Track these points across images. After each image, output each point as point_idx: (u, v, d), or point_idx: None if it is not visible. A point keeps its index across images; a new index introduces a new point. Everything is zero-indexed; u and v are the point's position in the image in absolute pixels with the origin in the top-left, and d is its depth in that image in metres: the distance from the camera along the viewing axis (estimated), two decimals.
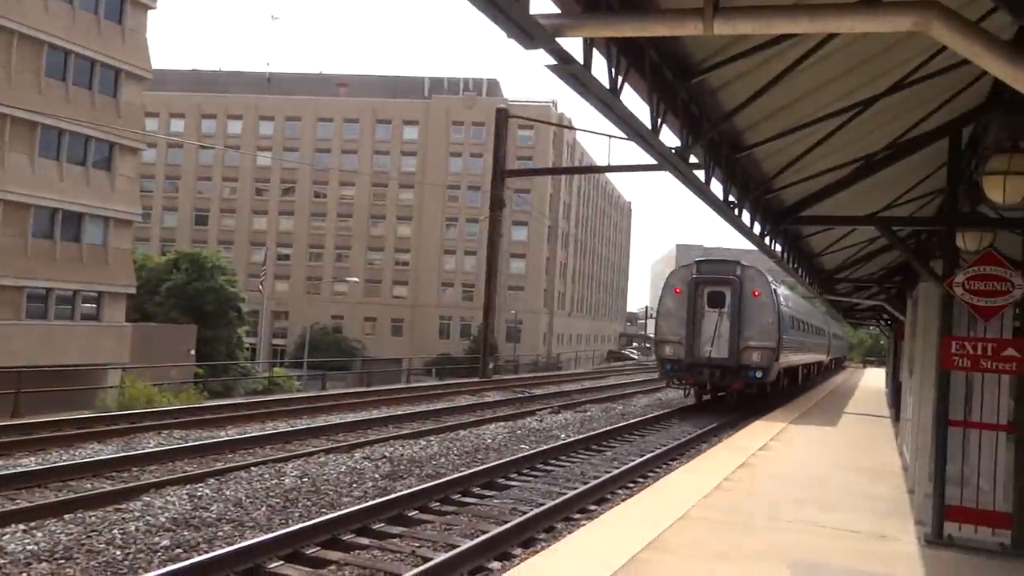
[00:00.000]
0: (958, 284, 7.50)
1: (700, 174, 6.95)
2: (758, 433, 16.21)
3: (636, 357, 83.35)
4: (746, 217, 8.83)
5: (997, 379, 7.78)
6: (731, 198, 7.95)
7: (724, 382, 21.63)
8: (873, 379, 45.31)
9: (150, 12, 36.96)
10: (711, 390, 22.75)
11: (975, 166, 8.00)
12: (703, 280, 21.97)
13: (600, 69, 4.52)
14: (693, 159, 6.71)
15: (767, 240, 10.21)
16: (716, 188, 7.56)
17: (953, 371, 7.66)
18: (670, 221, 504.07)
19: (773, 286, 22.81)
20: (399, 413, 19.02)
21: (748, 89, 5.99)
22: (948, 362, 7.56)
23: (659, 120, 5.47)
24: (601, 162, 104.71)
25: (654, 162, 6.24)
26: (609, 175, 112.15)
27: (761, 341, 21.49)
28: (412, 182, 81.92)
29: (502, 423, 18.15)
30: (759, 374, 21.44)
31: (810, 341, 30.05)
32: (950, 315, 7.85)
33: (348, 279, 61.22)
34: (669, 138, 6.07)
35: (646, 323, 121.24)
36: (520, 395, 25.88)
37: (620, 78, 4.73)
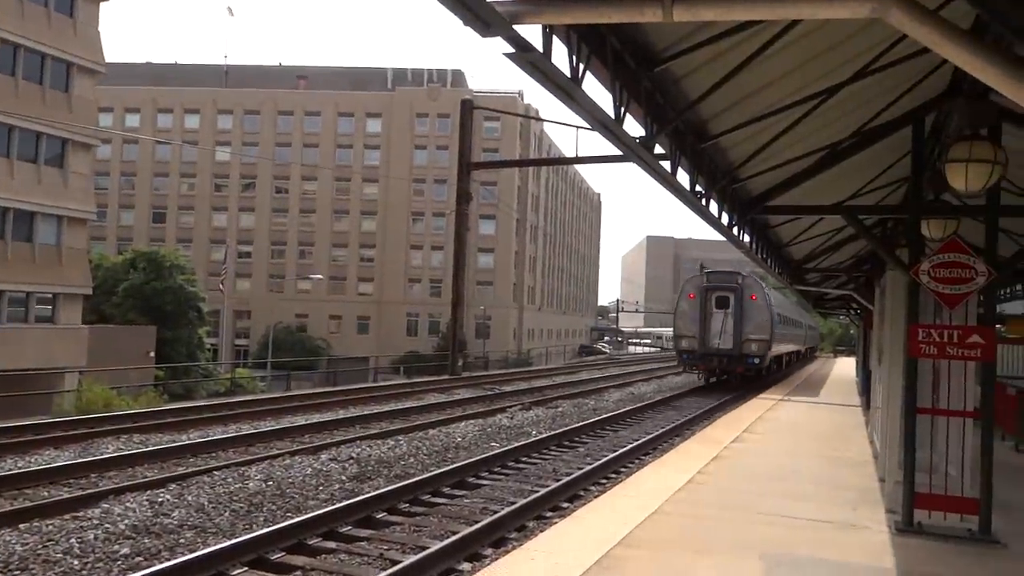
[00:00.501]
0: (924, 272, 7.64)
1: (666, 164, 6.98)
2: (729, 426, 16.39)
3: (608, 351, 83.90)
4: (714, 207, 8.91)
5: (963, 366, 7.93)
6: (698, 188, 8.00)
7: (729, 367, 29.49)
8: (843, 368, 46.02)
9: (102, 4, 36.32)
10: (719, 374, 30.52)
11: (938, 154, 8.14)
12: (712, 287, 30.07)
13: (561, 57, 4.54)
14: (659, 149, 6.74)
15: (735, 230, 10.31)
16: (683, 178, 7.61)
17: (920, 359, 7.80)
18: (640, 213, 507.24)
19: (766, 291, 31.00)
20: (366, 413, 18.94)
21: (712, 77, 6.03)
22: (915, 350, 7.69)
23: (622, 109, 5.48)
24: (569, 153, 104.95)
25: (621, 153, 6.27)
26: (578, 167, 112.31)
27: (758, 335, 29.36)
28: (376, 176, 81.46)
29: (472, 421, 18.15)
30: (756, 360, 29.45)
31: (792, 333, 37.87)
32: (916, 303, 7.99)
33: (312, 276, 60.77)
34: (634, 128, 6.10)
35: (618, 316, 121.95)
36: (490, 392, 25.93)
37: (581, 66, 4.73)
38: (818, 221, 12.29)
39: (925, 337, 7.63)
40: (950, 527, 7.89)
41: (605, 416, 19.54)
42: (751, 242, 12.01)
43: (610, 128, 5.30)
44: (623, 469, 13.20)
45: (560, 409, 21.45)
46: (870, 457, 12.88)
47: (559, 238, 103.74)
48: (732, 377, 30.02)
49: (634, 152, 5.96)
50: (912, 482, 7.91)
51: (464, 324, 43.46)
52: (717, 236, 11.11)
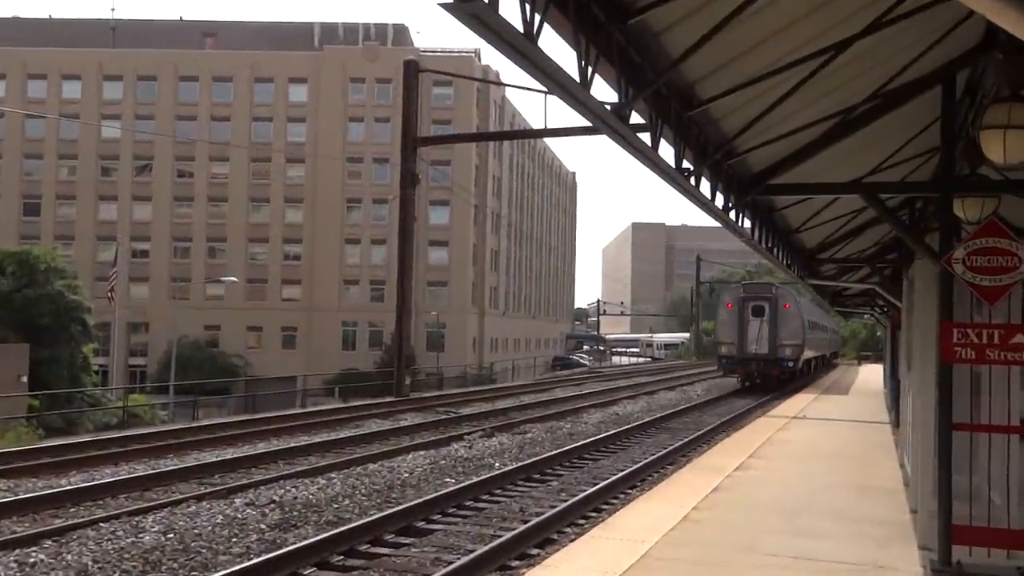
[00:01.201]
0: (958, 261, 7.72)
1: (646, 137, 6.97)
2: (733, 451, 16.52)
3: (588, 363, 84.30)
4: (705, 187, 8.93)
5: (1006, 372, 8.03)
6: (685, 164, 8.02)
7: (766, 370, 39.50)
8: (869, 377, 46.70)
9: None
10: (756, 377, 39.84)
11: (972, 120, 8.26)
12: (748, 297, 40.61)
13: (512, 8, 4.48)
14: (636, 118, 6.74)
15: (732, 214, 10.37)
16: (666, 153, 7.62)
17: (956, 364, 7.89)
18: (624, 196, 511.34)
19: (798, 299, 40.80)
20: (292, 446, 18.89)
21: (699, 30, 6.02)
22: (949, 354, 7.77)
23: (590, 70, 5.46)
24: (537, 125, 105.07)
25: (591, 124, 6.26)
26: (549, 142, 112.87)
27: (791, 340, 39.64)
28: (303, 155, 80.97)
29: (423, 452, 18.13)
30: (790, 364, 39.62)
31: (819, 337, 48.17)
32: (950, 298, 8.08)
33: (224, 279, 60.17)
34: (606, 92, 6.08)
35: (598, 321, 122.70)
36: (445, 416, 26.04)
37: (537, 18, 4.70)
38: (832, 202, 12.40)
39: (961, 338, 7.71)
40: (995, 565, 7.98)
41: (583, 442, 19.62)
42: (753, 228, 12.09)
43: (573, 92, 5.27)
44: (605, 506, 13.25)
45: (529, 435, 21.51)
46: (900, 484, 13.06)
47: (527, 228, 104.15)
48: (768, 380, 39.93)
49: (605, 122, 5.94)
50: (949, 513, 7.99)
51: (413, 334, 43.37)
52: (716, 222, 11.19)
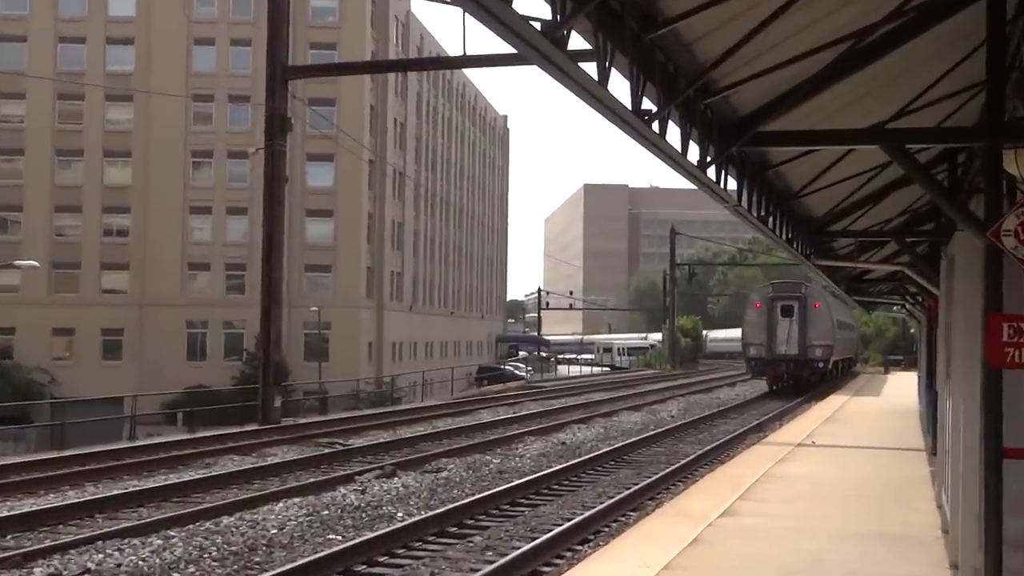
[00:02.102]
0: (1009, 232, 7.86)
1: (591, 68, 6.96)
2: (717, 490, 16.72)
3: (526, 375, 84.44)
4: (674, 136, 8.97)
5: None
6: (646, 105, 8.03)
7: (796, 372, 49.40)
8: (900, 390, 47.63)
9: None
10: (786, 379, 50.05)
11: None
12: (777, 297, 50.57)
13: None
14: (579, 42, 6.73)
15: (712, 172, 10.44)
16: (620, 89, 7.63)
17: (1007, 369, 8.03)
18: (572, 149, 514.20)
19: (828, 298, 50.95)
20: (117, 493, 18.63)
21: None
22: (997, 356, 7.92)
23: None
24: (454, 52, 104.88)
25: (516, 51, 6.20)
26: (472, 77, 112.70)
27: (822, 340, 49.56)
28: (129, 90, 79.63)
29: (298, 499, 18.03)
30: (821, 365, 49.77)
31: (847, 337, 60.15)
32: (999, 282, 8.21)
33: (20, 263, 58.67)
34: (537, 6, 6.05)
35: (539, 317, 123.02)
36: (329, 450, 25.95)
37: None
38: (845, 156, 12.55)
39: (1014, 335, 7.86)
40: None
41: (517, 482, 19.66)
42: (740, 191, 12.20)
43: (487, 6, 5.22)
44: (545, 569, 13.29)
45: (445, 474, 21.53)
46: (937, 531, 13.34)
47: (442, 192, 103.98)
48: (799, 381, 50.71)
49: (533, 47, 5.90)
50: (999, 567, 8.15)
51: (286, 338, 42.79)
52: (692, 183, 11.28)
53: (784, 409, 40.14)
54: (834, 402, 40.93)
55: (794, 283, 55.00)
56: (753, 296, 54.68)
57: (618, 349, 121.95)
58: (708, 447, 26.73)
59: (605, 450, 25.53)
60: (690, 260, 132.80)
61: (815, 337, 50.85)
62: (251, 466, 22.81)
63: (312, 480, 20.53)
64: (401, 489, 19.40)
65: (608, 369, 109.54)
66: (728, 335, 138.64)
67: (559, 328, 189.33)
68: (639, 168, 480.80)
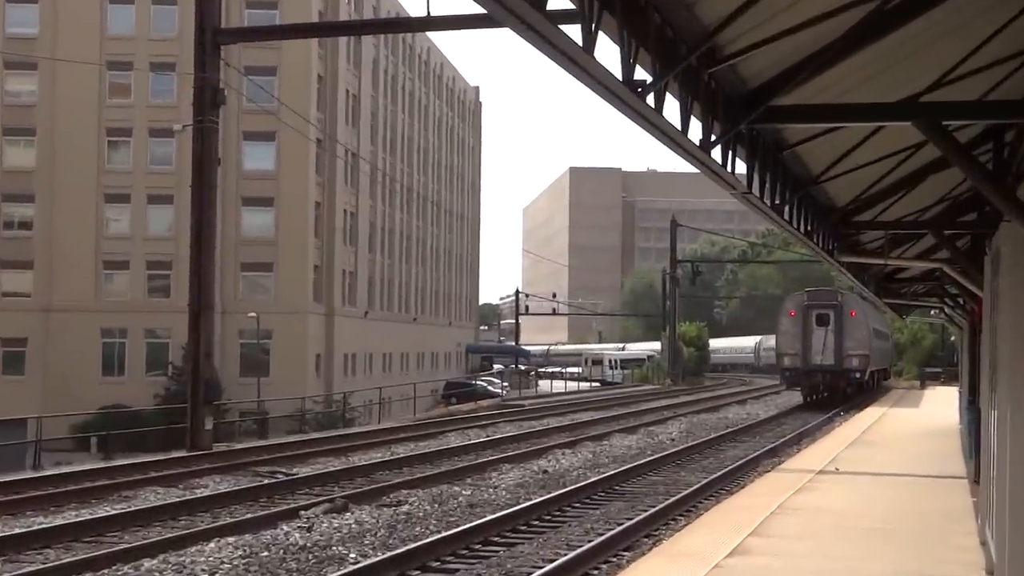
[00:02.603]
0: None
1: (574, 31, 6.95)
2: (723, 526, 16.71)
3: (501, 391, 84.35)
4: (673, 111, 8.96)
5: None
6: (640, 75, 8.02)
7: (832, 383, 55.26)
8: (937, 408, 47.79)
9: None
10: (822, 390, 56.00)
11: None
12: (812, 305, 56.47)
13: None
14: (560, 0, 6.70)
15: (718, 154, 10.44)
16: (610, 56, 7.61)
17: None
18: (556, 128, 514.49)
19: (864, 306, 56.80)
20: (19, 532, 18.51)
21: None
22: None
23: None
24: (416, 12, 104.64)
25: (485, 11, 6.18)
26: (438, 42, 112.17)
27: (858, 350, 55.46)
28: (32, 57, 79.27)
29: (232, 539, 17.95)
30: (858, 375, 55.77)
31: (883, 347, 68.53)
32: None
33: None
34: None
35: (516, 324, 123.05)
36: (270, 480, 25.88)
37: None
38: (872, 135, 12.58)
39: None
40: None
41: (491, 518, 19.62)
42: (751, 176, 12.20)
43: None
44: None
45: (406, 508, 21.49)
46: (981, 571, 13.41)
47: (404, 177, 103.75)
48: (835, 393, 56.63)
49: (507, 8, 5.87)
50: None
51: (219, 349, 42.62)
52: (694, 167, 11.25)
53: (803, 430, 40.30)
54: (861, 422, 41.10)
55: (830, 290, 62.30)
56: (787, 304, 61.64)
57: (610, 361, 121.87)
58: (714, 475, 26.75)
59: (594, 479, 25.50)
60: (694, 256, 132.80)
61: (852, 346, 56.81)
62: (177, 499, 22.66)
63: (249, 516, 20.44)
64: (354, 526, 19.31)
65: (598, 384, 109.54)
66: (737, 344, 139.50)
67: (540, 337, 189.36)
68: (634, 149, 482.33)
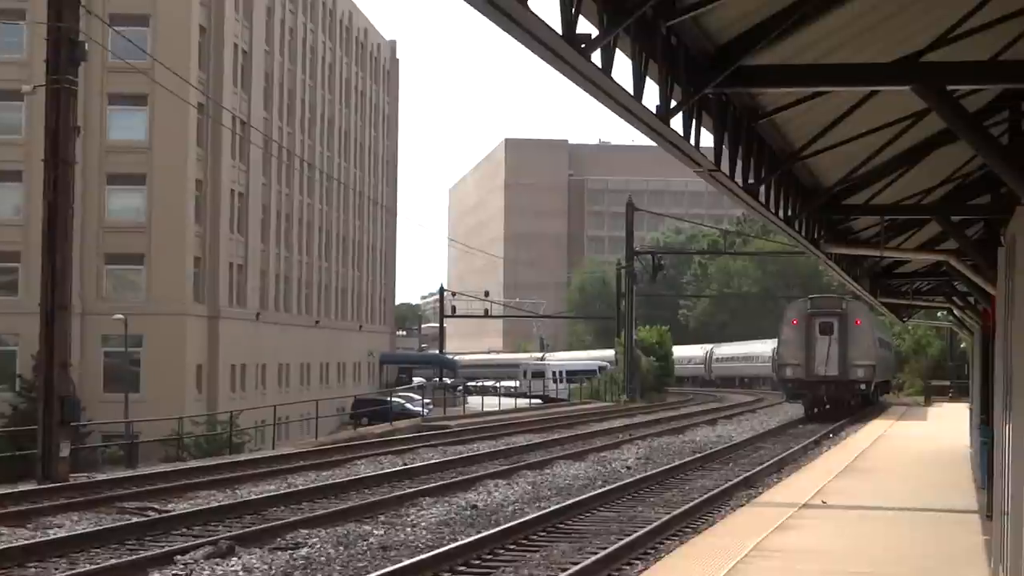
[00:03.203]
0: None
1: None
2: (687, 570, 16.77)
3: (422, 409, 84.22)
4: (624, 70, 8.98)
5: None
6: (583, 27, 8.01)
7: (837, 395, 64.06)
8: (942, 428, 48.15)
9: None
10: (825, 403, 63.76)
11: None
12: (816, 313, 65.35)
13: None
14: None
15: (678, 123, 10.47)
16: (547, 5, 7.61)
17: None
18: (488, 92, 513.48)
19: (871, 315, 64.09)
20: None
21: None
22: None
23: None
24: None
25: None
26: None
27: (864, 360, 64.16)
28: None
29: None
30: (863, 386, 65.11)
31: (887, 356, 76.07)
32: None
33: None
34: None
35: (442, 328, 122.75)
36: (139, 518, 25.70)
37: None
38: (865, 101, 12.67)
39: None
40: None
41: (408, 563, 19.59)
42: (719, 149, 12.26)
43: None
44: None
45: (304, 551, 21.48)
46: None
47: (304, 150, 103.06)
48: (840, 406, 62.77)
49: None
50: None
51: (78, 357, 42.11)
52: (649, 140, 11.24)
53: (785, 455, 40.51)
54: (854, 445, 41.40)
55: (835, 298, 70.14)
56: (789, 312, 69.73)
57: (554, 373, 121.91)
58: (678, 510, 26.71)
59: (533, 516, 25.44)
60: (655, 247, 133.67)
61: (857, 356, 64.78)
62: (26, 542, 22.40)
63: (113, 562, 20.29)
64: (242, 573, 19.26)
65: (539, 401, 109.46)
66: (692, 353, 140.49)
67: (470, 344, 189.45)
68: (583, 119, 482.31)
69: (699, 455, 41.79)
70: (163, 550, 21.41)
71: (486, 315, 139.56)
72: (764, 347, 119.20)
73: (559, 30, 7.80)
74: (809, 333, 64.48)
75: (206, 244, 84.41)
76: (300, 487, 31.96)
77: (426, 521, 25.76)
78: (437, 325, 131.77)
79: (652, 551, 21.71)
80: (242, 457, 45.89)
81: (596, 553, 21.02)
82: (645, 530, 23.67)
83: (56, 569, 20.21)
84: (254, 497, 29.52)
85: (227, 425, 65.97)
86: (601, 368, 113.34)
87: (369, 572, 19.20)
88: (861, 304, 60.93)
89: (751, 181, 14.08)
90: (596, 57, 8.51)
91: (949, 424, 49.64)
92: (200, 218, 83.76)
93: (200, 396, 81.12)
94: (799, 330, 65.04)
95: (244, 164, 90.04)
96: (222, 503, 28.38)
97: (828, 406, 64.35)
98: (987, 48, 11.47)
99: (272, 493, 30.42)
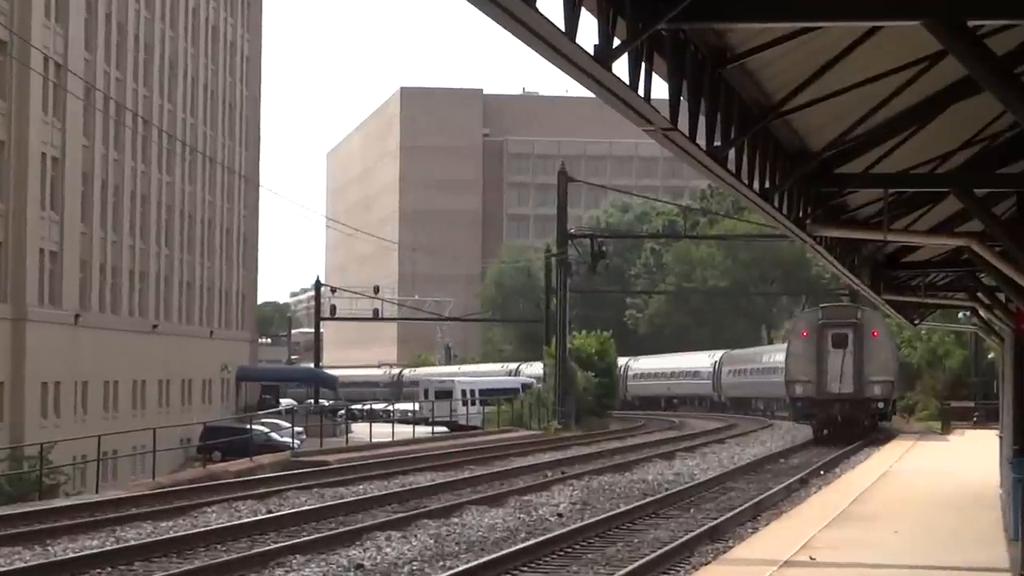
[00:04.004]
0: None
1: None
2: None
3: (295, 443, 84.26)
4: (553, 3, 8.99)
5: None
6: None
7: (851, 414, 74.40)
8: (970, 461, 48.54)
9: None
10: (840, 423, 73.10)
11: None
12: (828, 323, 76.52)
13: None
14: None
15: (623, 67, 10.50)
16: None
17: None
18: (374, 29, 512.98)
19: (889, 326, 78.92)
20: None
21: None
22: None
23: None
24: None
25: None
26: None
27: (881, 376, 75.78)
28: None
29: None
30: (881, 405, 76.93)
31: (903, 372, 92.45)
32: None
33: None
34: None
35: (318, 334, 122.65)
36: None
37: None
38: (862, 41, 12.74)
39: None
40: None
41: None
42: (675, 102, 12.28)
43: None
44: None
45: None
46: None
47: (138, 103, 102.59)
48: (854, 427, 69.97)
49: None
50: None
51: None
52: (582, 89, 11.21)
53: (762, 498, 40.66)
54: (851, 484, 41.63)
55: (849, 307, 78.97)
56: (798, 324, 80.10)
57: (464, 393, 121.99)
58: (621, 571, 26.82)
59: None
60: (595, 228, 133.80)
61: (874, 371, 73.71)
62: None
63: None
64: None
65: (446, 429, 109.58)
66: (659, 365, 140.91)
67: (356, 355, 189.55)
68: (501, 64, 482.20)
69: (651, 498, 41.89)
70: None
71: (376, 317, 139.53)
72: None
73: None
74: (820, 346, 72.62)
75: (8, 224, 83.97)
76: (132, 542, 31.82)
77: None
78: (312, 330, 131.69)
79: None
80: (56, 503, 45.62)
81: None
82: None
83: None
84: (71, 555, 29.43)
85: (36, 462, 65.70)
86: (525, 386, 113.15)
87: None
88: (878, 314, 68.52)
89: (717, 144, 14.11)
90: None
91: (973, 457, 50.07)
92: (1, 192, 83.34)
93: (0, 423, 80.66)
94: (809, 342, 73.48)
95: (59, 120, 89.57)
96: (29, 563, 28.24)
97: (844, 425, 71.95)
98: None
99: (95, 551, 30.25)
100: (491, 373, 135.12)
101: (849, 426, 70.76)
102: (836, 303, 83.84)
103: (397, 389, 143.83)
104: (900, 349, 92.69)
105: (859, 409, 71.33)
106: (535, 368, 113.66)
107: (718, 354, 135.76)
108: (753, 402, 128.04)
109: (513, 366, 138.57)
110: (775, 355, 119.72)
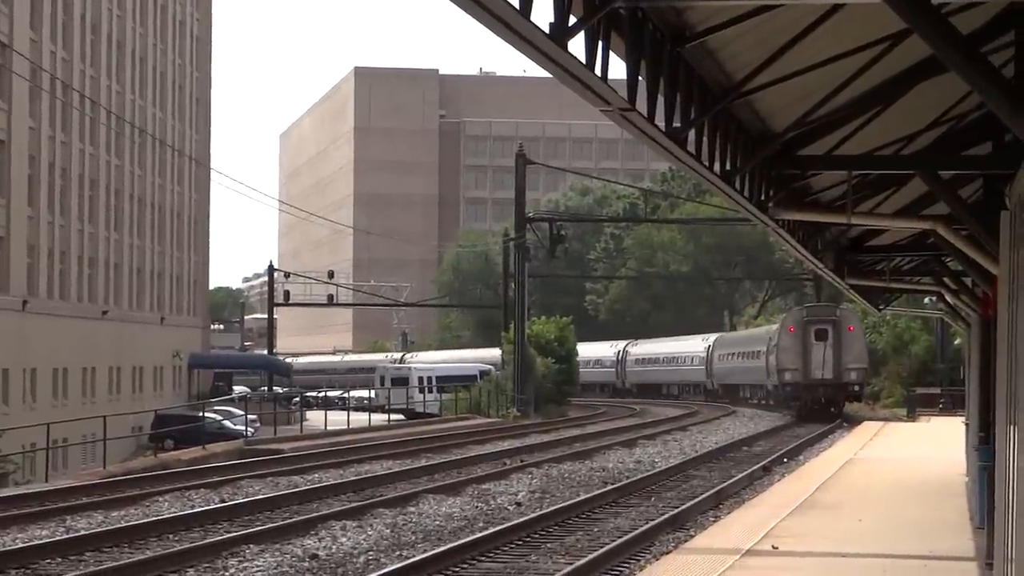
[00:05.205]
0: None
1: None
2: None
3: (249, 431, 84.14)
4: None
5: None
6: None
7: (832, 396, 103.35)
8: (935, 447, 48.65)
9: None
10: (823, 403, 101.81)
11: None
12: (811, 320, 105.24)
13: None
14: None
15: (579, 45, 10.48)
16: None
17: None
18: (327, 8, 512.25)
19: (861, 320, 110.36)
20: None
21: None
22: None
23: None
24: None
25: None
26: None
27: (857, 364, 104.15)
28: None
29: None
30: (857, 388, 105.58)
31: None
32: None
33: None
34: None
35: (271, 319, 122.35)
36: None
37: None
38: (827, 18, 12.76)
39: None
40: None
41: None
42: (633, 81, 12.28)
43: None
44: None
45: None
46: None
47: (84, 81, 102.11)
48: (834, 406, 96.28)
49: None
50: None
51: None
52: (536, 69, 11.19)
53: (724, 486, 40.71)
54: (815, 472, 41.71)
55: (829, 306, 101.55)
56: (787, 321, 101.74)
57: (421, 380, 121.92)
58: (583, 560, 26.82)
59: (392, 568, 25.48)
60: (554, 212, 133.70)
61: (850, 360, 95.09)
62: None
63: None
64: None
65: (402, 417, 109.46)
66: (598, 352, 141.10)
67: (311, 341, 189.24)
68: (457, 44, 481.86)
69: (611, 486, 41.94)
70: None
71: (330, 303, 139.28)
72: (695, 345, 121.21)
73: None
74: (806, 340, 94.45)
75: None
76: (82, 532, 31.81)
77: None
78: (265, 317, 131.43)
79: None
80: (5, 492, 45.54)
81: None
82: None
83: None
84: (20, 545, 29.36)
85: None
86: (483, 373, 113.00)
87: None
88: (853, 312, 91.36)
89: (676, 124, 14.10)
90: None
91: (938, 444, 50.19)
92: None
93: None
94: (796, 337, 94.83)
95: (4, 102, 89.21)
96: None
97: (827, 404, 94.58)
98: None
99: (45, 540, 30.25)
100: (448, 359, 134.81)
101: (829, 406, 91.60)
102: (819, 304, 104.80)
103: (354, 376, 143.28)
104: (867, 336, 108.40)
105: (838, 391, 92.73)
106: (493, 354, 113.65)
107: (620, 344, 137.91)
108: (664, 388, 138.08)
109: (472, 353, 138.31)
110: (681, 345, 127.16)
